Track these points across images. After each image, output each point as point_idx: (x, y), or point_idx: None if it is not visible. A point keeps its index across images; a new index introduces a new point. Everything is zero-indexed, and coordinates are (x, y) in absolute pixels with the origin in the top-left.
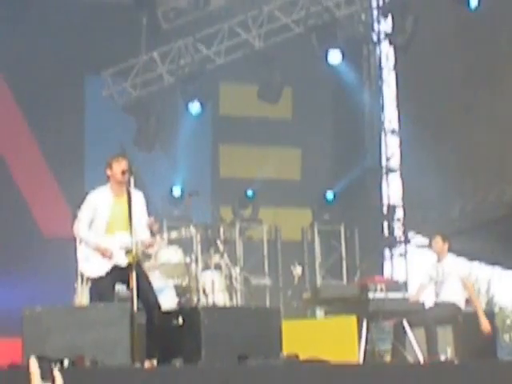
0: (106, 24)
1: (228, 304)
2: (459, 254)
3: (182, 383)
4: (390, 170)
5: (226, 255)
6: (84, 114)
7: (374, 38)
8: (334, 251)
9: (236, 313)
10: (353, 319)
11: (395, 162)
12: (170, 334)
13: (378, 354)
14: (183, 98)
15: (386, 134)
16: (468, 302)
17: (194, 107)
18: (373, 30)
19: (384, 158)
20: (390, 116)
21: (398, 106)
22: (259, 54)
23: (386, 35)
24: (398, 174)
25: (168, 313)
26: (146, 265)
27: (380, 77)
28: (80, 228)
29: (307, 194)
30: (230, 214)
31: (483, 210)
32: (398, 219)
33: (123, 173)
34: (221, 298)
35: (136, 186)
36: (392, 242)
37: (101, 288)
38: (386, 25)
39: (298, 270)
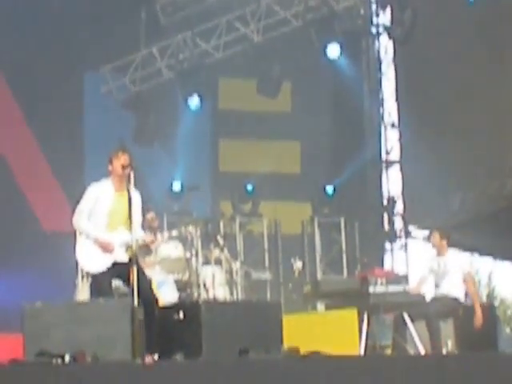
0: (104, 20)
1: (228, 298)
2: (459, 246)
3: (183, 378)
4: (389, 163)
5: (226, 249)
6: (83, 110)
7: (373, 31)
8: (335, 245)
9: (237, 307)
10: (353, 313)
11: (395, 155)
12: (170, 328)
13: (379, 347)
14: (182, 93)
15: (385, 127)
16: (468, 295)
17: (194, 102)
18: (371, 23)
19: (384, 151)
20: (390, 109)
21: (397, 99)
22: (258, 48)
23: (385, 28)
24: (397, 167)
25: (169, 307)
26: (146, 260)
27: (379, 70)
28: (79, 219)
29: (307, 188)
30: (229, 208)
31: (483, 203)
32: (398, 212)
33: (124, 167)
34: (221, 293)
35: (136, 181)
36: (392, 235)
37: (101, 284)
38: (384, 18)
39: (298, 264)
